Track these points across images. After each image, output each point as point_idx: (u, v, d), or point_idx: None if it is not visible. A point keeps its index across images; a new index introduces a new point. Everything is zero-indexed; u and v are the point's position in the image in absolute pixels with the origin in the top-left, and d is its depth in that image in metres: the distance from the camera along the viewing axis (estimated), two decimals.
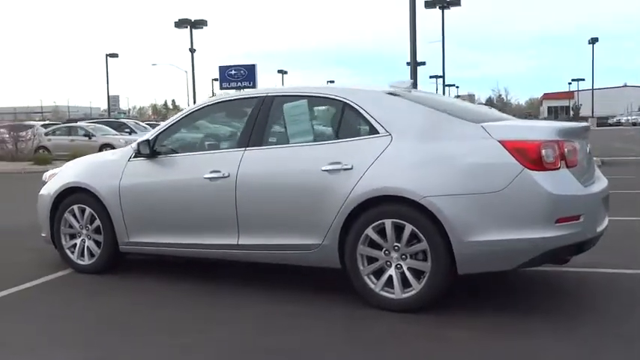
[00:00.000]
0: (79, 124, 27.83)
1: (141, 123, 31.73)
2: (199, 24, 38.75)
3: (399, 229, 4.32)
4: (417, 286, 4.30)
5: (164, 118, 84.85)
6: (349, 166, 4.46)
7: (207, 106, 5.42)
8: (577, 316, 4.24)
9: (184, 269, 5.68)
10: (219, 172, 4.93)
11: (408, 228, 4.27)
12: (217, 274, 5.51)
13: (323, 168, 4.54)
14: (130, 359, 3.71)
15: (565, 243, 4.11)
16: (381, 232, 4.37)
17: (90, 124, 26.45)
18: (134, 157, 5.42)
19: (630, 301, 4.59)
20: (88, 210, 5.61)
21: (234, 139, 5.13)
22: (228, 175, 4.89)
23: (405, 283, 4.34)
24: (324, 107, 4.92)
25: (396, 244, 4.34)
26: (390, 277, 4.37)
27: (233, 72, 63.30)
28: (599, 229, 4.42)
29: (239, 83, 62.47)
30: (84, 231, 5.66)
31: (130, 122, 30.12)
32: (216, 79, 65.60)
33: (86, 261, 5.67)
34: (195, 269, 5.64)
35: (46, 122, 33.89)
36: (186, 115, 5.45)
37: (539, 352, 3.65)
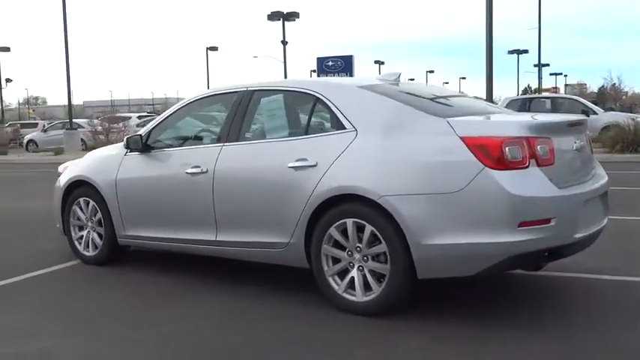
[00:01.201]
0: None
1: None
2: (291, 16, 39.03)
3: (360, 230, 4.12)
4: (377, 290, 4.08)
5: None
6: (314, 163, 4.30)
7: (195, 100, 5.40)
8: (548, 321, 3.88)
9: (187, 263, 5.67)
10: (199, 167, 4.91)
11: (368, 229, 4.06)
12: (215, 268, 5.48)
13: (290, 164, 4.40)
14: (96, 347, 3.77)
15: (531, 248, 3.75)
16: (344, 232, 4.18)
17: None
18: (130, 151, 5.51)
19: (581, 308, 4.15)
20: (91, 203, 5.77)
21: (215, 134, 5.08)
22: (207, 171, 4.86)
23: (367, 286, 4.14)
24: (298, 102, 4.76)
25: (357, 244, 4.14)
26: (353, 278, 4.19)
27: (330, 63, 63.60)
28: (583, 234, 4.01)
29: (336, 74, 62.91)
30: (89, 223, 5.83)
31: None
32: (314, 71, 66.37)
33: (90, 252, 5.84)
34: (197, 263, 5.62)
35: (144, 114, 35.39)
36: (176, 111, 5.47)
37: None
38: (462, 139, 3.83)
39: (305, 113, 4.65)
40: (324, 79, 5.07)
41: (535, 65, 47.79)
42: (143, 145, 5.36)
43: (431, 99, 4.60)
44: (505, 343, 3.64)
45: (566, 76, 78.64)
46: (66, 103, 28.73)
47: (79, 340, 3.90)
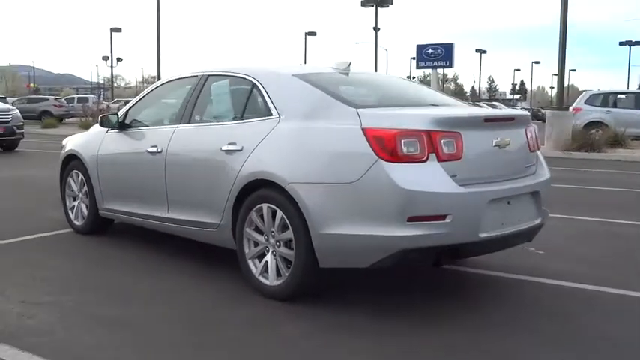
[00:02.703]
0: None
1: None
2: (385, 3, 38.83)
3: (274, 215, 4.19)
4: (284, 275, 4.16)
5: None
6: (240, 148, 4.41)
7: (164, 83, 5.64)
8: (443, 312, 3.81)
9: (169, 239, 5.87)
10: (156, 147, 5.15)
11: (279, 214, 4.13)
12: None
13: (222, 148, 4.53)
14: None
15: (422, 244, 3.69)
16: (262, 216, 4.28)
17: None
18: (110, 129, 5.83)
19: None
20: (80, 176, 6.16)
21: (174, 116, 5.29)
22: (161, 151, 5.09)
23: (279, 271, 4.22)
24: (239, 87, 4.86)
25: (272, 230, 4.22)
26: (267, 262, 4.28)
27: (430, 51, 62.52)
28: (495, 233, 3.90)
29: (435, 62, 61.73)
30: (80, 195, 6.24)
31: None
32: (414, 58, 65.53)
33: (79, 222, 6.25)
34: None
35: None
36: (149, 92, 5.75)
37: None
38: (364, 130, 3.81)
39: (244, 98, 4.76)
40: (264, 65, 5.11)
41: None
42: (119, 124, 5.67)
43: (363, 89, 4.58)
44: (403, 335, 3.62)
45: None
46: None
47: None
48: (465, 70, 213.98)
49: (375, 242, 3.74)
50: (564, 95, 18.72)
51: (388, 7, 39.34)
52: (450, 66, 68.22)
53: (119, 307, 4.10)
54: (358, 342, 3.55)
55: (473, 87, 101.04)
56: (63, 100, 39.92)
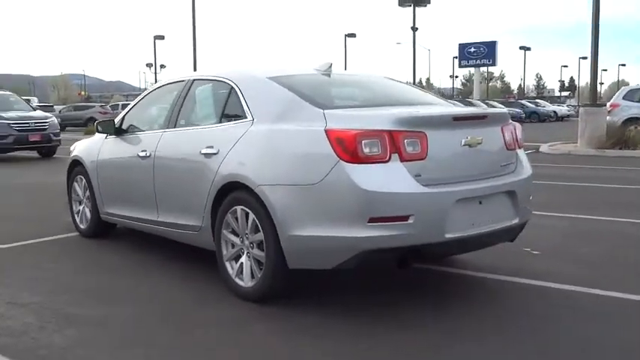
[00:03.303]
0: None
1: None
2: (422, 2, 38.56)
3: (247, 217, 4.23)
4: (257, 277, 4.19)
5: None
6: (216, 151, 4.47)
7: (156, 89, 5.76)
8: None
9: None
10: (145, 151, 5.26)
11: (251, 216, 4.17)
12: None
13: (201, 151, 4.60)
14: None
15: (384, 245, 3.67)
16: (237, 218, 4.32)
17: None
18: (108, 135, 5.98)
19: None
20: (84, 181, 6.33)
21: (162, 121, 5.38)
22: (150, 155, 5.19)
23: (253, 273, 4.25)
24: (220, 91, 4.90)
25: (246, 232, 4.26)
26: (242, 264, 4.32)
27: (472, 49, 61.74)
28: (463, 233, 3.85)
29: (478, 61, 60.83)
30: (84, 199, 6.40)
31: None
32: (457, 57, 64.68)
33: (84, 226, 6.42)
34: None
35: None
36: (143, 97, 5.88)
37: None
38: (326, 131, 3.81)
39: (223, 102, 4.80)
40: (243, 68, 5.17)
41: None
42: (116, 129, 5.80)
43: (339, 90, 4.58)
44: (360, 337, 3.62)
45: None
46: None
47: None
48: (512, 68, 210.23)
49: (337, 244, 3.74)
50: (597, 91, 18.17)
51: (426, 6, 39.08)
52: (494, 64, 66.88)
53: (99, 308, 4.20)
54: (331, 344, 3.55)
55: (520, 85, 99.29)
56: (108, 107, 40.91)
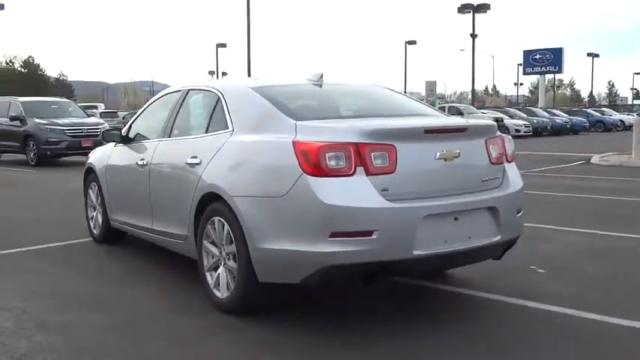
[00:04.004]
0: None
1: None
2: (482, 8, 37.85)
3: (224, 228, 4.20)
4: (231, 289, 4.15)
5: (484, 104, 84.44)
6: (199, 161, 4.46)
7: (158, 98, 5.80)
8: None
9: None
10: (143, 159, 5.32)
11: (226, 227, 4.14)
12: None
13: (187, 161, 4.61)
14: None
15: (346, 261, 3.55)
16: (215, 229, 4.30)
17: None
18: (116, 144, 6.09)
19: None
20: (96, 187, 6.47)
21: (160, 130, 5.42)
22: (147, 164, 5.25)
23: (229, 284, 4.21)
24: (208, 102, 4.88)
25: (223, 243, 4.24)
26: (219, 275, 4.29)
27: (537, 56, 60.31)
28: (433, 250, 3.70)
29: (543, 68, 59.30)
30: (97, 205, 6.54)
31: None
32: (521, 64, 63.12)
33: (97, 231, 6.55)
34: None
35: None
36: (147, 107, 5.95)
37: None
38: (294, 143, 3.74)
39: (210, 112, 4.79)
40: (230, 81, 5.16)
41: None
42: (122, 138, 5.90)
43: (324, 101, 4.51)
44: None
45: None
46: None
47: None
48: (582, 76, 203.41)
49: (301, 258, 3.66)
50: None
51: (486, 12, 38.35)
52: (560, 71, 64.95)
53: (73, 315, 4.25)
54: None
55: (591, 92, 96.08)
56: None
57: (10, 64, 76.08)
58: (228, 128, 4.39)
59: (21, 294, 4.74)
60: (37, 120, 16.70)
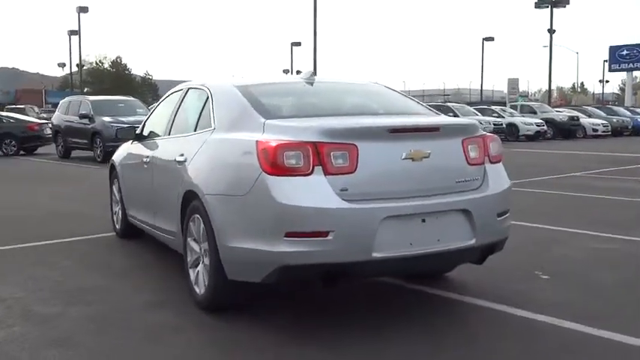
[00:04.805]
0: None
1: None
2: (560, 3, 36.41)
3: (201, 226, 4.24)
4: (206, 286, 4.18)
5: (567, 103, 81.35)
6: (184, 159, 4.53)
7: (167, 96, 5.90)
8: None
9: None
10: (148, 157, 5.45)
11: (202, 225, 4.18)
12: None
13: (176, 158, 4.68)
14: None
15: (301, 261, 3.51)
16: (195, 226, 4.35)
17: None
18: (132, 141, 6.26)
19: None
20: (117, 183, 6.68)
21: (164, 128, 5.52)
22: (150, 161, 5.38)
23: (205, 281, 4.24)
24: (201, 99, 4.91)
25: (201, 240, 4.27)
26: (198, 272, 4.33)
27: (624, 52, 57.56)
28: (395, 253, 3.60)
29: (631, 64, 56.46)
30: (119, 201, 6.75)
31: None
32: (606, 61, 60.36)
33: (118, 226, 6.76)
34: None
35: None
36: (158, 105, 6.08)
37: None
38: (257, 142, 3.73)
39: (200, 110, 4.83)
40: (222, 80, 5.17)
41: None
42: (136, 135, 6.07)
43: (306, 99, 4.49)
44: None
45: None
46: None
47: None
48: None
49: (261, 257, 3.65)
50: None
51: (565, 6, 36.86)
52: None
53: (59, 307, 4.39)
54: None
55: None
56: None
57: (100, 64, 79.43)
58: (211, 126, 4.43)
59: (24, 286, 4.94)
60: (104, 118, 17.38)
